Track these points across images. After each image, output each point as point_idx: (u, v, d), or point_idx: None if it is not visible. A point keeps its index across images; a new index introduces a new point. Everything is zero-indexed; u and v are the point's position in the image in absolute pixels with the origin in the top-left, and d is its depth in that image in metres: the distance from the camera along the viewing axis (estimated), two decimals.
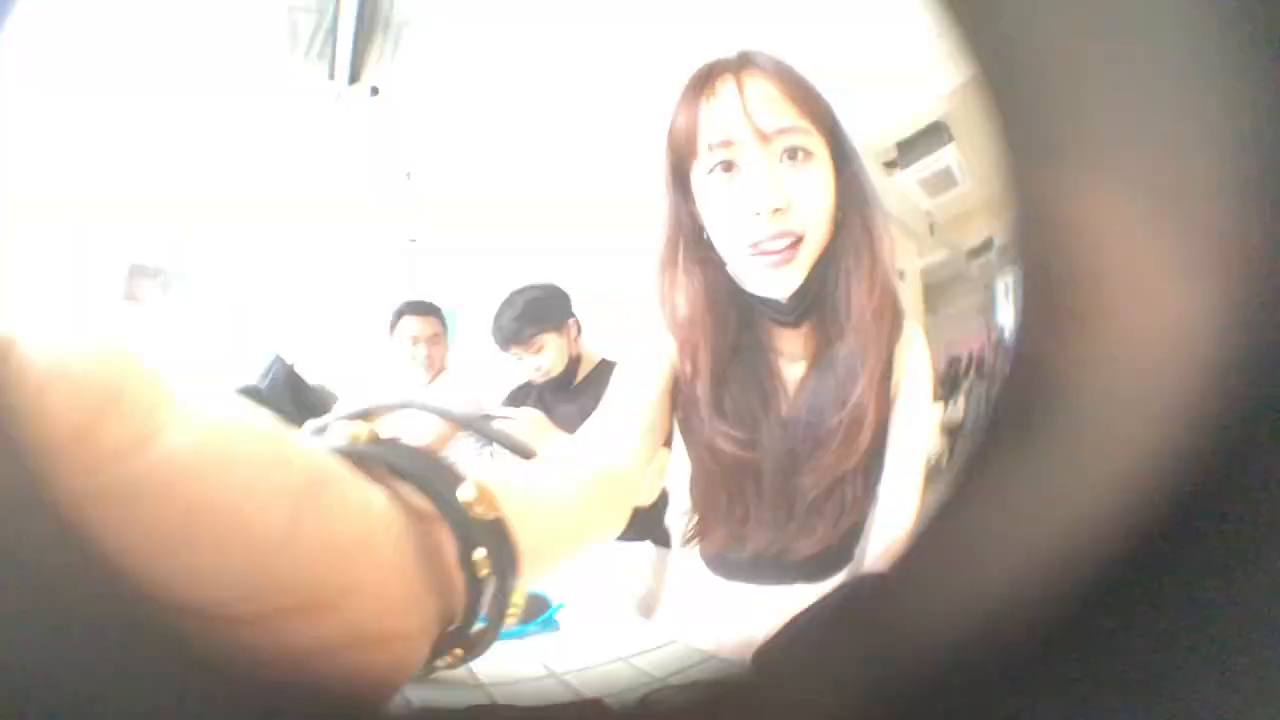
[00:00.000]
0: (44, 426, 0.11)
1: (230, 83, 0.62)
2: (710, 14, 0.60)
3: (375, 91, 0.67)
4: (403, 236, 0.74)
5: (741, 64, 0.43)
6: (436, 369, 0.83)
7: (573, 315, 0.72)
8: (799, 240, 0.41)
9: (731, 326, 0.45)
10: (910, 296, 0.61)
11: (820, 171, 0.42)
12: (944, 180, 0.57)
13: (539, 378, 0.72)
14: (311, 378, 0.74)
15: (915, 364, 0.45)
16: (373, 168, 0.69)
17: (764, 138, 0.41)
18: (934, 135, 0.57)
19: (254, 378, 0.68)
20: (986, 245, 0.53)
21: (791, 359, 0.45)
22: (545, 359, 0.71)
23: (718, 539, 0.48)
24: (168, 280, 0.63)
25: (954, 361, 0.52)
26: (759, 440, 0.44)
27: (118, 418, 0.12)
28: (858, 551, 0.45)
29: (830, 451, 0.43)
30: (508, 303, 0.72)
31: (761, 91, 0.42)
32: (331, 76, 0.67)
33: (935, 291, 0.58)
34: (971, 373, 0.50)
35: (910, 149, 0.60)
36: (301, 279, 0.71)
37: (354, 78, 0.67)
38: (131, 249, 0.62)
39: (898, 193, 0.66)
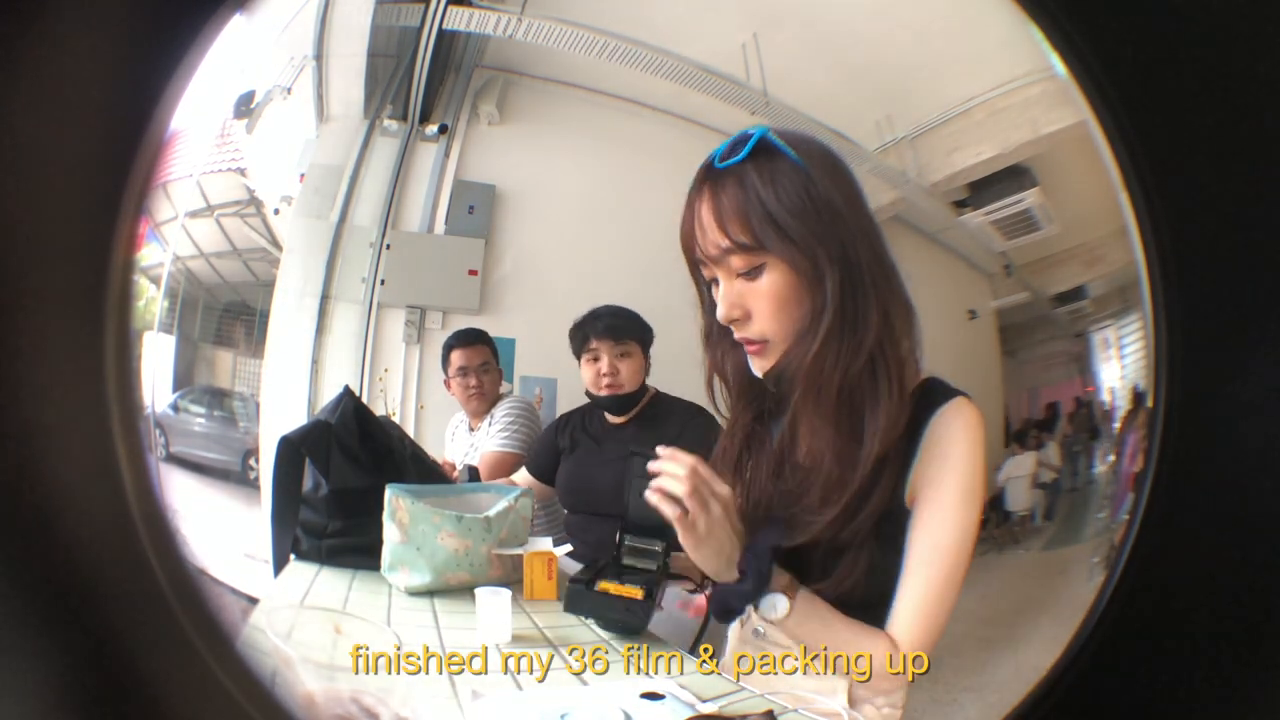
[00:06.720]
0: None
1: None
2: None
3: (444, 129, 0.68)
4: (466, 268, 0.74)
5: (708, 177, 0.44)
6: (489, 398, 0.83)
7: (651, 346, 0.71)
8: (765, 343, 0.44)
9: (757, 396, 0.48)
10: (984, 336, 0.62)
11: (775, 283, 0.43)
12: (1023, 223, 0.57)
13: (604, 387, 0.69)
14: (378, 409, 0.75)
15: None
16: (440, 201, 0.70)
17: (715, 261, 0.43)
18: (1013, 178, 0.58)
19: (324, 413, 0.69)
20: (1077, 292, 0.54)
21: (800, 426, 0.47)
22: (625, 367, 0.68)
23: None
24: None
25: (1042, 407, 0.52)
26: (762, 492, 0.48)
27: None
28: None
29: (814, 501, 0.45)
30: (603, 308, 0.68)
31: (712, 212, 0.43)
32: (405, 116, 0.68)
33: (1014, 333, 0.59)
34: (1062, 422, 0.50)
35: (984, 190, 0.61)
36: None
37: (425, 117, 0.68)
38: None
39: (967, 231, 0.66)
